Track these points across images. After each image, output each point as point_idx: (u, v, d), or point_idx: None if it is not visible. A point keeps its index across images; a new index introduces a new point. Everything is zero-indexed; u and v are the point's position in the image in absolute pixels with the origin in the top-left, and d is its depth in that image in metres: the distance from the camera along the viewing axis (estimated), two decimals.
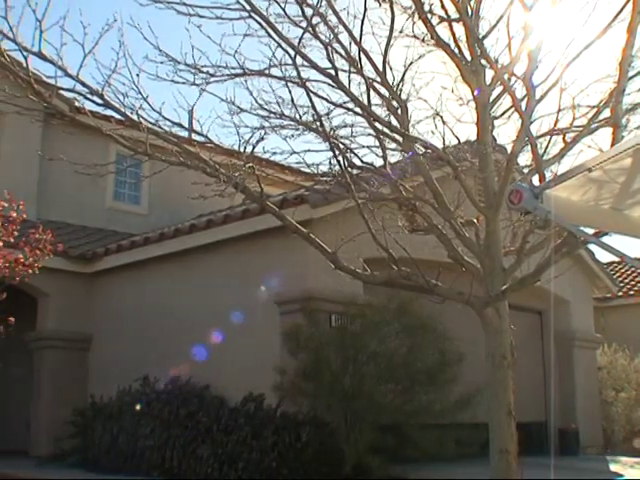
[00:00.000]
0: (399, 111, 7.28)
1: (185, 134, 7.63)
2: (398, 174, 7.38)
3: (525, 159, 7.87)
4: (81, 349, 15.28)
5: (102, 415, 12.84)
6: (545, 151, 7.02)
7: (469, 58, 7.07)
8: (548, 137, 7.29)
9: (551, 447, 14.47)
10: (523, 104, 6.69)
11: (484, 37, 7.06)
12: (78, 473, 12.16)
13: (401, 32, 7.15)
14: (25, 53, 6.38)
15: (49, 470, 12.48)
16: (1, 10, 6.27)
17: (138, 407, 12.22)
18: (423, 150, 7.37)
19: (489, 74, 7.12)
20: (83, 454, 12.96)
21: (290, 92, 7.18)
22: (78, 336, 15.24)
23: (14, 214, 10.49)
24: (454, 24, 7.01)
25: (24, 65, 6.72)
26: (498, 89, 7.21)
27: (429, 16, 7.00)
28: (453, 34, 7.07)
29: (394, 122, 7.16)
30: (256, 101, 7.43)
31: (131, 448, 11.87)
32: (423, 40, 7.19)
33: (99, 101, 6.71)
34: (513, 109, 7.20)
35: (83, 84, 6.59)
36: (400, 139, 7.28)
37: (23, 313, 12.51)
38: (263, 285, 11.74)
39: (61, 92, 7.20)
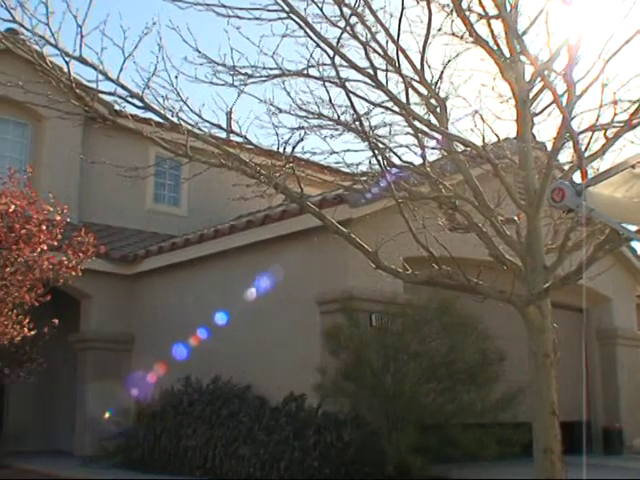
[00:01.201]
0: (438, 109, 7.25)
1: (224, 136, 7.66)
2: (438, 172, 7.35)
3: (565, 156, 7.79)
4: (123, 350, 15.43)
5: (145, 415, 12.93)
6: (587, 148, 6.93)
7: (508, 55, 7.02)
8: (589, 133, 7.20)
9: (594, 447, 14.34)
10: (563, 100, 6.63)
11: (523, 33, 7.00)
12: (122, 473, 12.25)
13: (440, 30, 7.12)
14: (67, 58, 6.45)
15: (93, 470, 12.60)
16: (43, 16, 6.35)
17: (181, 407, 12.29)
18: (462, 148, 7.33)
19: (528, 70, 7.06)
20: (126, 454, 13.04)
21: (328, 92, 7.18)
22: (120, 337, 15.39)
23: (58, 217, 10.62)
24: (492, 21, 6.97)
25: (65, 70, 6.80)
26: (538, 86, 7.15)
27: (467, 13, 6.97)
28: (491, 31, 7.02)
29: (433, 120, 7.12)
30: (294, 102, 7.44)
31: (174, 448, 11.94)
32: (462, 37, 7.14)
33: (139, 104, 6.76)
34: (553, 106, 7.14)
35: (123, 87, 6.64)
36: (439, 137, 7.25)
37: (66, 314, 12.66)
38: (305, 285, 11.75)
39: (101, 96, 7.25)
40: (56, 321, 10.36)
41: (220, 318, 13.45)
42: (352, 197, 10.54)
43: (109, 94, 6.70)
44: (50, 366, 11.78)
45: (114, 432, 13.46)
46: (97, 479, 11.96)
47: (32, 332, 10.14)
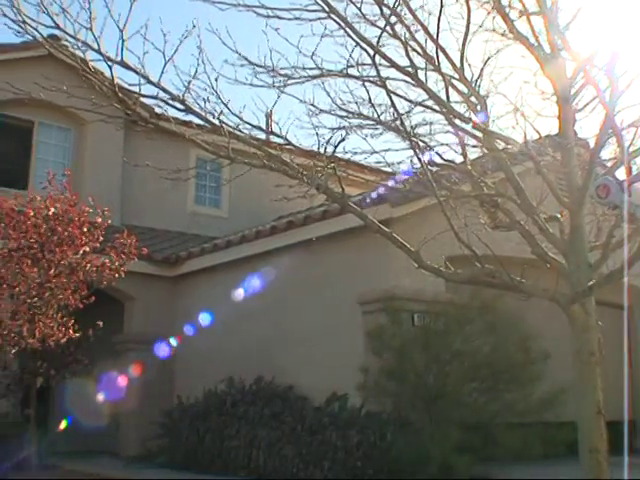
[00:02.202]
0: (478, 107, 7.21)
1: (264, 137, 7.69)
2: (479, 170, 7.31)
3: (608, 152, 7.71)
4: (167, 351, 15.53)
5: (188, 416, 13.01)
6: (631, 143, 6.85)
7: (549, 51, 6.97)
8: (633, 129, 7.11)
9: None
10: (606, 95, 6.56)
11: (565, 29, 6.94)
12: (166, 473, 12.35)
13: (480, 27, 7.08)
14: (109, 63, 6.52)
15: (138, 470, 12.72)
16: (85, 22, 6.42)
17: (224, 408, 12.36)
18: (504, 145, 7.29)
19: (570, 66, 7.00)
20: (170, 454, 13.15)
21: (368, 92, 7.18)
22: (164, 338, 15.49)
23: (99, 220, 10.74)
24: (533, 17, 6.93)
25: (106, 74, 6.88)
26: (580, 81, 7.08)
27: (507, 10, 6.93)
28: (532, 27, 6.98)
29: (474, 118, 7.09)
30: (333, 102, 7.44)
31: (217, 448, 12.00)
32: (502, 34, 7.10)
33: (180, 107, 6.81)
34: (596, 101, 7.06)
35: (165, 90, 6.69)
36: (480, 135, 7.21)
37: (110, 316, 12.78)
38: (345, 285, 11.75)
39: (143, 99, 7.32)
40: (100, 323, 10.48)
41: (261, 318, 13.49)
42: (393, 196, 10.52)
43: (151, 97, 6.76)
44: (96, 367, 11.89)
45: (158, 432, 13.57)
46: (141, 479, 12.07)
47: (77, 334, 10.25)
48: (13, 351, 10.01)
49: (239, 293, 14.28)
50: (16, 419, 10.79)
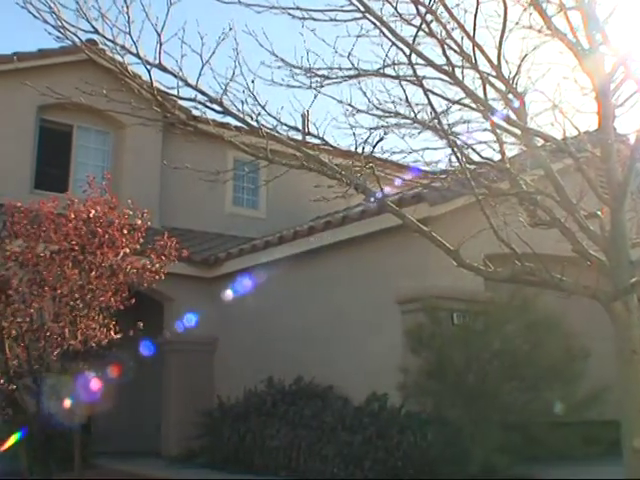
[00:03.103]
0: (516, 104, 7.17)
1: (301, 138, 7.71)
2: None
3: None
4: (207, 351, 15.66)
5: (229, 416, 13.09)
6: None
7: (587, 46, 6.91)
8: None
9: None
10: None
11: (603, 24, 6.88)
12: (207, 473, 12.44)
13: (517, 23, 7.04)
14: (148, 66, 6.58)
15: (179, 470, 12.83)
16: (122, 26, 6.48)
17: (264, 408, 12.42)
18: (542, 142, 7.24)
19: (610, 62, 6.93)
20: (211, 454, 13.24)
21: (405, 91, 7.17)
22: (203, 339, 15.61)
23: (139, 222, 10.82)
24: (570, 12, 6.87)
25: (143, 77, 6.94)
26: (619, 76, 7.01)
27: (544, 6, 6.88)
28: (569, 23, 6.92)
29: (512, 116, 7.05)
30: (370, 101, 7.44)
31: (258, 448, 12.07)
32: (539, 31, 7.06)
33: (218, 109, 6.84)
34: (635, 97, 6.99)
35: (203, 93, 6.74)
36: (518, 132, 7.17)
37: (150, 317, 12.88)
38: (384, 285, 11.74)
39: (180, 101, 7.37)
40: (141, 324, 10.56)
41: (300, 319, 13.53)
42: (431, 195, 10.50)
43: (190, 100, 6.80)
44: (136, 368, 12.00)
45: (199, 432, 13.66)
46: (183, 479, 12.16)
47: (118, 335, 10.35)
48: (56, 352, 10.13)
49: (277, 293, 14.34)
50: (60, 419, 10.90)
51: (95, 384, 11.04)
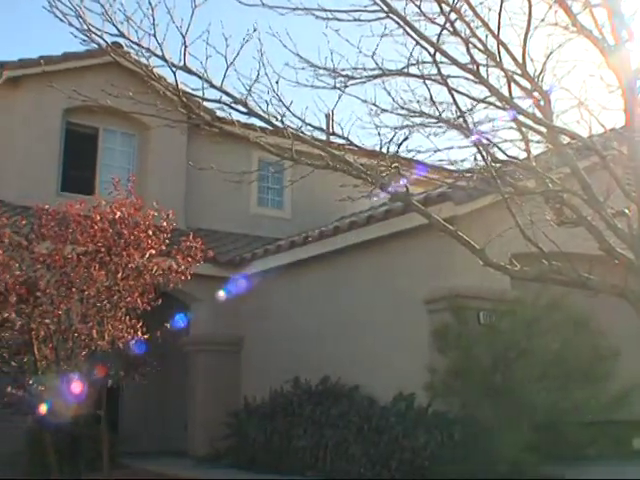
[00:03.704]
0: (542, 102, 7.13)
1: (326, 138, 7.71)
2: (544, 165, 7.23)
3: None
4: (233, 352, 15.68)
5: (255, 416, 13.12)
6: None
7: (613, 43, 6.87)
8: None
9: None
10: None
11: (629, 20, 6.83)
12: (234, 473, 12.47)
13: (542, 21, 7.01)
14: (173, 68, 6.61)
15: (206, 470, 12.86)
16: (149, 29, 6.52)
17: (290, 408, 12.43)
18: (568, 140, 7.20)
19: (635, 58, 6.89)
20: (238, 454, 13.27)
21: (429, 90, 7.16)
22: (229, 339, 15.64)
23: (164, 223, 10.87)
24: (596, 9, 6.83)
25: (168, 79, 6.98)
26: None
27: (569, 3, 6.85)
28: (595, 20, 6.88)
29: (537, 114, 7.02)
30: (394, 101, 7.45)
31: (285, 448, 12.08)
32: (565, 28, 7.02)
33: (243, 110, 6.87)
34: None
35: (227, 94, 6.77)
36: (544, 130, 7.13)
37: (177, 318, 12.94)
38: (410, 284, 11.72)
39: (205, 103, 7.40)
40: (168, 325, 10.61)
41: (326, 319, 13.53)
42: (456, 194, 10.47)
43: (215, 101, 6.83)
44: (163, 368, 12.05)
45: (225, 432, 13.70)
46: (210, 479, 12.20)
47: (145, 335, 10.40)
48: (83, 353, 10.20)
49: (303, 293, 14.35)
50: (88, 419, 10.99)
51: (120, 385, 11.13)
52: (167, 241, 10.73)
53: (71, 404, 10.31)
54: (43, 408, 10.15)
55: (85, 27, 6.58)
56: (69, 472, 10.54)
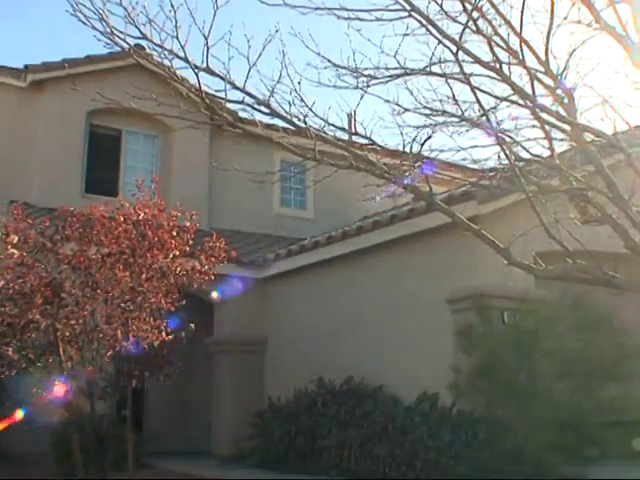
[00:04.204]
0: (565, 100, 7.10)
1: (348, 138, 7.71)
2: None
3: None
4: (257, 352, 15.71)
5: (280, 416, 13.14)
6: None
7: (637, 40, 6.82)
8: None
9: None
10: None
11: None
12: (258, 473, 12.50)
13: (565, 18, 6.96)
14: (196, 70, 6.64)
15: (230, 470, 12.89)
16: (171, 31, 6.55)
17: (315, 408, 12.44)
18: (592, 138, 7.16)
19: None
20: (262, 454, 13.29)
21: (451, 89, 7.14)
22: (253, 339, 15.68)
23: (188, 224, 10.91)
24: (619, 5, 6.78)
25: (191, 81, 7.00)
26: None
27: (592, 0, 6.80)
28: (618, 16, 6.84)
29: (561, 112, 6.98)
30: (416, 100, 7.43)
31: (309, 448, 12.10)
32: (588, 25, 6.97)
33: (266, 110, 6.89)
34: None
35: (250, 95, 6.78)
36: (568, 128, 7.09)
37: (200, 318, 12.98)
38: (433, 284, 11.70)
39: (228, 104, 7.42)
40: (192, 325, 10.65)
41: (350, 319, 13.54)
42: (480, 193, 10.44)
43: (237, 102, 6.85)
44: (187, 368, 12.09)
45: (249, 432, 13.73)
46: (235, 479, 12.23)
47: (169, 336, 10.44)
48: (108, 354, 10.26)
49: (327, 293, 14.36)
50: (113, 420, 11.06)
51: (145, 385, 11.19)
52: (191, 242, 10.77)
53: (96, 404, 10.39)
54: (68, 408, 10.23)
55: (108, 30, 6.62)
56: (95, 472, 10.58)
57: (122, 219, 10.39)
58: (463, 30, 6.58)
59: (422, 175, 6.92)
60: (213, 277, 10.94)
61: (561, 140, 7.59)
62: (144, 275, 10.31)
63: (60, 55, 20.42)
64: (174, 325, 10.53)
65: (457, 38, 6.64)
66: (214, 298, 14.63)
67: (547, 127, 7.22)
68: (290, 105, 6.89)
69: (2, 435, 16.95)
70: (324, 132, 7.15)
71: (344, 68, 7.14)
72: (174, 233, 10.60)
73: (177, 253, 10.60)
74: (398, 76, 7.21)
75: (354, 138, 7.43)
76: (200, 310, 14.88)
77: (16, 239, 9.96)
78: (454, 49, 6.62)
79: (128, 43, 6.84)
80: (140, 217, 10.46)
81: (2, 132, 18.68)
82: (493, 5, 6.70)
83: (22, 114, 17.84)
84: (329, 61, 7.13)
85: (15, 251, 9.86)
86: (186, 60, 6.63)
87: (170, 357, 10.83)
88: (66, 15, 6.55)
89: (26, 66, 16.82)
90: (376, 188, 7.05)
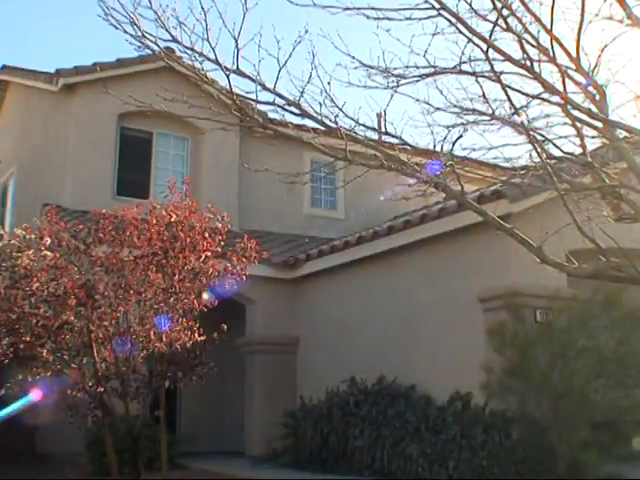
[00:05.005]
0: (597, 97, 7.05)
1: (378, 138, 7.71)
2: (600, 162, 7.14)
3: None
4: (288, 352, 15.74)
5: (312, 416, 13.14)
6: None
7: None
8: None
9: None
10: None
11: None
12: (291, 473, 12.50)
13: (596, 15, 6.92)
14: (226, 72, 6.67)
15: (263, 470, 12.91)
16: (201, 33, 6.59)
17: (347, 408, 12.44)
18: (625, 134, 7.10)
19: None
20: (295, 454, 13.30)
21: (482, 87, 7.11)
22: (285, 340, 15.71)
23: (219, 225, 10.97)
24: None
25: (221, 83, 7.04)
26: None
27: None
28: None
29: (593, 109, 6.93)
30: (447, 99, 7.41)
31: (341, 448, 12.09)
32: (620, 21, 6.92)
33: (296, 111, 6.91)
34: None
35: (280, 96, 6.80)
36: (600, 125, 7.04)
37: (232, 319, 13.05)
38: (465, 283, 11.67)
39: (258, 105, 7.45)
40: (224, 326, 10.69)
41: (381, 318, 13.53)
42: (511, 192, 10.39)
43: (268, 104, 6.87)
44: (219, 369, 12.15)
45: (281, 433, 13.75)
46: (268, 479, 12.25)
47: (202, 337, 10.50)
48: (141, 355, 10.34)
49: (358, 293, 14.36)
50: (146, 420, 11.13)
51: (178, 386, 11.25)
52: (222, 243, 10.82)
53: (129, 405, 10.47)
54: (102, 409, 10.32)
55: (139, 33, 6.68)
56: (128, 472, 10.67)
57: (154, 221, 10.46)
58: (493, 28, 6.56)
59: (454, 174, 6.89)
60: (245, 278, 10.98)
61: (593, 137, 7.55)
62: (176, 276, 10.38)
63: (91, 59, 20.56)
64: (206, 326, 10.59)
65: (487, 36, 6.62)
66: (246, 298, 14.67)
67: (579, 124, 7.18)
68: (320, 105, 6.91)
69: (37, 436, 17.19)
70: (354, 132, 7.16)
71: (374, 68, 7.14)
72: (206, 235, 10.66)
73: (209, 254, 10.66)
74: (428, 75, 7.19)
75: (384, 138, 7.43)
76: (232, 310, 14.94)
77: (49, 241, 10.07)
78: (484, 47, 6.60)
79: (159, 46, 6.89)
80: (172, 219, 10.52)
81: (35, 136, 18.95)
82: (523, 2, 6.67)
83: (54, 118, 18.05)
84: (359, 61, 7.13)
85: (49, 253, 9.96)
86: (216, 62, 6.67)
87: (202, 358, 10.89)
88: (98, 20, 6.62)
89: (57, 70, 16.96)
90: (407, 187, 7.05)
